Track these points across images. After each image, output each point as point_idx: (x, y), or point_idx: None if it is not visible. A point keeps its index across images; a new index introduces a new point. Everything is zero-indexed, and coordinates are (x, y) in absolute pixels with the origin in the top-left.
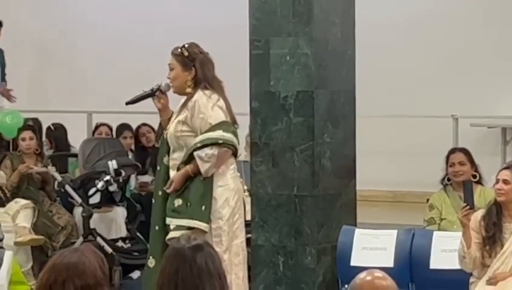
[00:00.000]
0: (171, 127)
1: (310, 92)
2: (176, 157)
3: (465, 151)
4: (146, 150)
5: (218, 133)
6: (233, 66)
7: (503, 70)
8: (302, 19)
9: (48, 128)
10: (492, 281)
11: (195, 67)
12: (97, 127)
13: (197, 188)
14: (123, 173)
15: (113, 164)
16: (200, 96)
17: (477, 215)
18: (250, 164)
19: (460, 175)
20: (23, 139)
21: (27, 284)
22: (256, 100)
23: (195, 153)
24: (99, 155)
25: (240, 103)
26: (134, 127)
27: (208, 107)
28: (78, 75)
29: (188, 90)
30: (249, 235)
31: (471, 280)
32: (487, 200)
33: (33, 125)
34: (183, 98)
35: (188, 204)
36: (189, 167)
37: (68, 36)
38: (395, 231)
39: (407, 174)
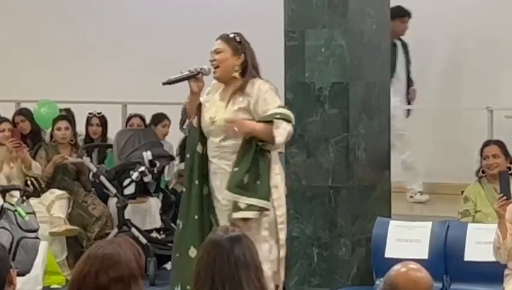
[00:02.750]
0: (226, 114)
1: (344, 83)
2: (228, 145)
3: (499, 144)
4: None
5: (291, 115)
6: (268, 57)
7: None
8: (337, 11)
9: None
10: None
11: (245, 54)
12: (129, 118)
13: (265, 167)
14: (158, 164)
15: (147, 155)
16: (262, 82)
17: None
18: (285, 155)
19: (495, 167)
20: (59, 129)
21: (62, 275)
22: (291, 92)
23: (277, 121)
24: (133, 146)
25: None
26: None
27: (271, 93)
28: (110, 66)
29: (235, 74)
30: None
31: (506, 272)
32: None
33: (68, 116)
34: (222, 87)
35: (258, 182)
36: (259, 127)
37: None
38: (430, 223)
39: (442, 165)
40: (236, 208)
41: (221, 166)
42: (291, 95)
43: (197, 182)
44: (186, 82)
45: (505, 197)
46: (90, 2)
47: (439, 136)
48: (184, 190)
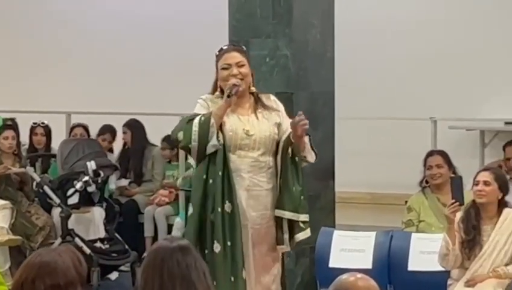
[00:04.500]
0: (264, 129)
1: (289, 93)
2: (265, 160)
3: (443, 154)
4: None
5: None
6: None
7: (482, 73)
8: (281, 21)
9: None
10: (470, 283)
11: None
12: (73, 128)
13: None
14: (102, 174)
15: (91, 165)
16: (272, 96)
17: (457, 216)
18: None
19: (438, 177)
20: (6, 138)
21: (5, 285)
22: None
23: (309, 139)
24: (77, 156)
25: None
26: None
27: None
28: (53, 75)
29: (253, 88)
30: None
31: (449, 282)
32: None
33: (13, 125)
34: (241, 99)
35: (302, 197)
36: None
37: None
38: (374, 233)
39: (386, 176)
40: (299, 228)
41: (258, 183)
42: None
43: (227, 203)
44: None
45: (458, 203)
46: (31, 13)
47: (382, 146)
48: (196, 215)
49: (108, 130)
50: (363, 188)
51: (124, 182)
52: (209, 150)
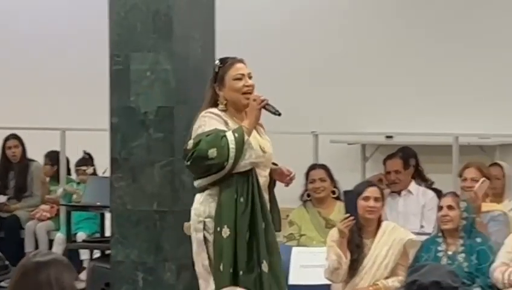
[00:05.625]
0: (268, 147)
1: (170, 107)
2: (268, 179)
3: (325, 168)
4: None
5: None
6: (94, 81)
7: (363, 87)
8: (162, 35)
9: None
10: None
11: None
12: None
13: None
14: None
15: None
16: None
17: (334, 233)
18: (110, 179)
19: (321, 191)
20: None
21: None
22: (116, 116)
23: None
24: None
25: (101, 119)
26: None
27: None
28: None
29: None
30: (109, 251)
31: None
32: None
33: None
34: (231, 115)
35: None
36: None
37: None
38: None
39: None
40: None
41: (266, 201)
42: (116, 119)
43: (262, 222)
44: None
45: (351, 217)
46: None
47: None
48: (233, 236)
49: None
50: None
51: (2, 199)
52: (242, 168)
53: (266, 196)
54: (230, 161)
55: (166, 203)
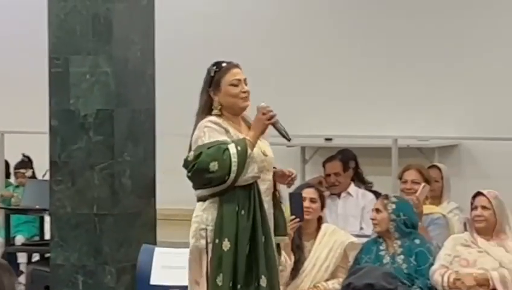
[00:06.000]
0: (269, 150)
1: (109, 110)
2: (272, 183)
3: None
4: None
5: None
6: (33, 83)
7: (302, 90)
8: (101, 38)
9: None
10: None
11: None
12: None
13: None
14: None
15: None
16: None
17: None
18: (50, 182)
19: None
20: None
21: None
22: (55, 118)
23: None
24: None
25: (40, 121)
26: None
27: None
28: None
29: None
30: (49, 255)
31: None
32: (287, 219)
33: None
34: (231, 120)
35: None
36: None
37: None
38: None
39: (181, 192)
40: (279, 251)
41: (270, 206)
42: (56, 122)
43: (263, 236)
44: None
45: (297, 219)
46: None
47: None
48: (233, 249)
49: None
50: (185, 204)
51: None
52: (244, 182)
53: (270, 201)
54: (232, 175)
55: (106, 206)
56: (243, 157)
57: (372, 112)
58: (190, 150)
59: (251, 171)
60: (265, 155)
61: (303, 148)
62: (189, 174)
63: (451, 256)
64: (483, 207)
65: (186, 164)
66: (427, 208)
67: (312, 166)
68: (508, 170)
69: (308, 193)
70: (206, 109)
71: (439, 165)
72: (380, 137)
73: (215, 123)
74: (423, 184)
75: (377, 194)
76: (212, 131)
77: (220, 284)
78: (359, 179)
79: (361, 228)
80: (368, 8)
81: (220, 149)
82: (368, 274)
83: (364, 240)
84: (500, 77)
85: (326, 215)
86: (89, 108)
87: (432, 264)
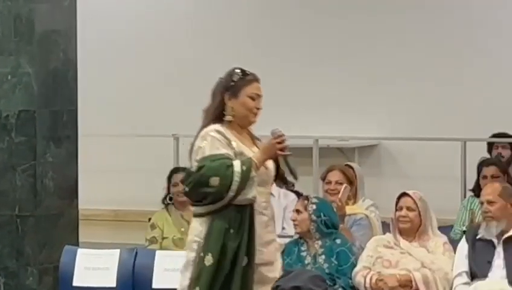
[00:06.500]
0: (270, 163)
1: (31, 111)
2: (269, 192)
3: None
4: None
5: None
6: None
7: None
8: (23, 38)
9: None
10: None
11: None
12: None
13: None
14: None
15: None
16: None
17: None
18: None
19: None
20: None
21: None
22: None
23: None
24: None
25: None
26: None
27: None
28: None
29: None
30: None
31: None
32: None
33: None
34: (236, 132)
35: None
36: None
37: None
38: (118, 251)
39: (130, 193)
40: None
41: (271, 217)
42: None
43: (245, 257)
44: None
45: None
46: None
47: (126, 163)
48: (215, 265)
49: None
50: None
51: None
52: (239, 201)
53: (267, 213)
54: (231, 194)
55: (28, 208)
56: (246, 179)
57: (292, 112)
58: (190, 158)
59: (249, 194)
60: (266, 168)
61: None
62: (187, 187)
63: (373, 257)
64: (409, 208)
65: (187, 176)
66: (350, 209)
67: None
68: (426, 170)
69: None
70: (217, 111)
71: (351, 164)
72: (301, 137)
73: (220, 133)
74: (344, 185)
75: (299, 194)
76: (214, 141)
77: None
78: (281, 179)
79: (283, 228)
80: (290, 9)
81: (223, 164)
82: (296, 277)
83: (287, 240)
84: (417, 78)
85: None
86: (11, 109)
87: (354, 263)
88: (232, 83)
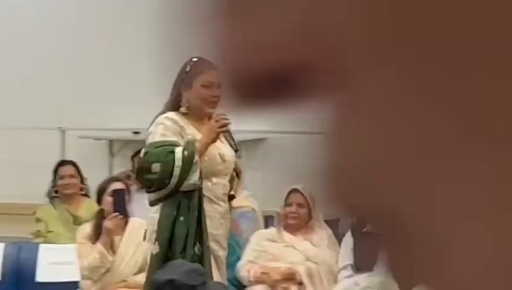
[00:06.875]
0: (228, 155)
1: None
2: (228, 187)
3: (73, 164)
4: None
5: None
6: None
7: (108, 83)
8: None
9: None
10: None
11: None
12: None
13: None
14: None
15: None
16: None
17: (84, 230)
18: None
19: (71, 187)
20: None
21: None
22: None
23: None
24: None
25: None
26: None
27: None
28: None
29: None
30: None
31: None
32: (93, 213)
33: None
34: (193, 121)
35: None
36: None
37: None
38: (2, 245)
39: (14, 186)
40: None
41: (227, 209)
42: None
43: (197, 245)
44: None
45: (121, 215)
46: None
47: (10, 156)
48: (162, 255)
49: None
50: (18, 198)
51: None
52: (185, 187)
53: (225, 205)
54: (174, 180)
55: None
56: (189, 164)
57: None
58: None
59: (192, 179)
60: (224, 160)
61: (111, 142)
62: (135, 173)
63: (257, 251)
64: (299, 204)
65: (138, 162)
66: (238, 201)
67: (120, 159)
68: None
69: (116, 186)
70: (173, 104)
71: None
72: None
73: (171, 120)
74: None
75: None
76: (165, 129)
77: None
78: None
79: None
80: None
81: (164, 151)
82: (173, 270)
83: None
84: None
85: (135, 208)
86: None
87: (239, 256)
88: (186, 73)
